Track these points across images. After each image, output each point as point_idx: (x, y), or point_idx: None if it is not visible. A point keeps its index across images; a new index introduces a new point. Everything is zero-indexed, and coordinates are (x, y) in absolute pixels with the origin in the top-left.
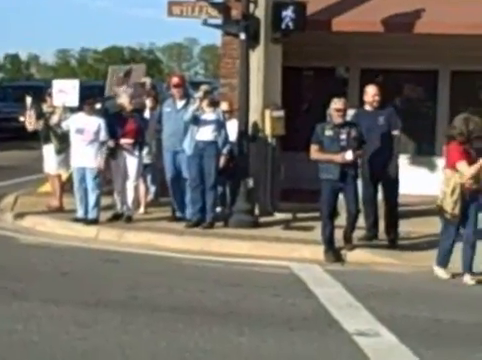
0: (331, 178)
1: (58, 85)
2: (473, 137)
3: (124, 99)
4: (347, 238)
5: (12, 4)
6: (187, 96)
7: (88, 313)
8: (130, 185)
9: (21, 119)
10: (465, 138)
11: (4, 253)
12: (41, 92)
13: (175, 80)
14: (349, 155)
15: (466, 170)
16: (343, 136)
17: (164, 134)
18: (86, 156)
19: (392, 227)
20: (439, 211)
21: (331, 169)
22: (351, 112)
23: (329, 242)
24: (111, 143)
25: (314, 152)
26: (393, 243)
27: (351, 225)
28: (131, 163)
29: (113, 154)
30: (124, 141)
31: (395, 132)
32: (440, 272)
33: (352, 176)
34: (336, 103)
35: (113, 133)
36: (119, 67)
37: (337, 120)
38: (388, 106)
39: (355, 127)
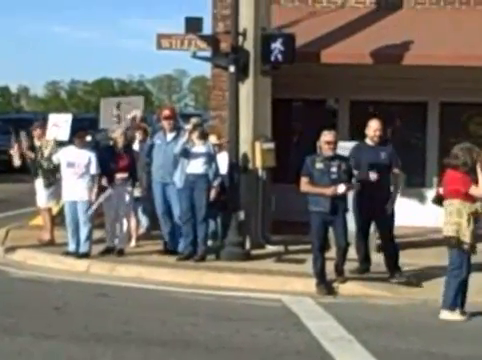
0: (322, 211)
1: (53, 119)
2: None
3: (118, 134)
4: (339, 271)
5: (1, 36)
6: (177, 128)
7: (80, 348)
8: (122, 219)
9: (11, 152)
10: (469, 168)
11: None
12: (30, 125)
13: (166, 112)
14: (341, 188)
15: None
16: (334, 169)
17: (154, 166)
18: (77, 189)
19: (391, 260)
20: (456, 243)
21: (321, 202)
22: (350, 145)
23: (320, 275)
24: (104, 181)
25: (304, 185)
26: (392, 276)
27: (341, 258)
28: (123, 197)
29: (104, 190)
30: (119, 176)
31: (396, 170)
32: (452, 316)
33: (342, 209)
34: (326, 135)
35: (105, 168)
36: (110, 100)
37: (327, 153)
38: (387, 143)
39: (345, 160)
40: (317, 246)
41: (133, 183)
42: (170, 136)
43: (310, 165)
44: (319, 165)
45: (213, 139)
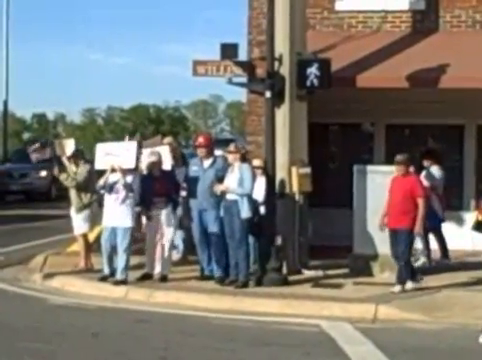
0: None
1: (105, 148)
2: None
3: (155, 159)
4: None
5: (38, 64)
6: (214, 155)
7: None
8: (164, 244)
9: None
10: None
11: (34, 314)
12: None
13: (200, 141)
14: None
15: None
16: None
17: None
18: (118, 215)
19: None
20: None
21: None
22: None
23: None
24: (138, 208)
25: None
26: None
27: None
28: (164, 223)
29: (148, 216)
30: (156, 199)
31: None
32: None
33: None
34: None
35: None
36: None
37: None
38: None
39: None
40: None
41: (174, 207)
42: (207, 163)
43: None
44: None
45: (257, 162)
